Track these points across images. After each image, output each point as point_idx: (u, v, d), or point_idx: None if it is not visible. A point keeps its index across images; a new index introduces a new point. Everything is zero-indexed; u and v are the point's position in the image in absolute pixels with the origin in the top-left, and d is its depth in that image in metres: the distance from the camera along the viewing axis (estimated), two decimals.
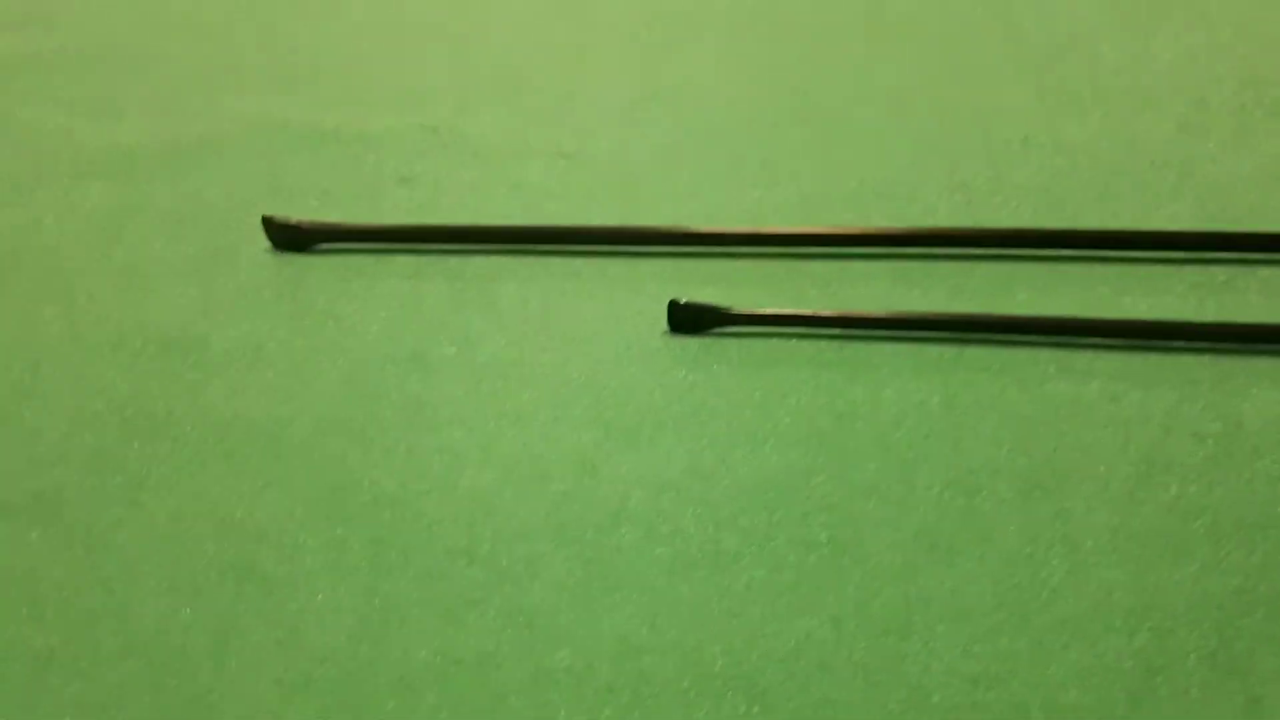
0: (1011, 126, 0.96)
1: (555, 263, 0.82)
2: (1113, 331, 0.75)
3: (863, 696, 0.55)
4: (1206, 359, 0.73)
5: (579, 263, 0.82)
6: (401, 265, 0.82)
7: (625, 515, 0.64)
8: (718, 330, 0.76)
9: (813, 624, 0.59)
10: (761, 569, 0.61)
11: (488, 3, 1.14)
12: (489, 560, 0.62)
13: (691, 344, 0.75)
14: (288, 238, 0.83)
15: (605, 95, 1.00)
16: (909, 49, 1.08)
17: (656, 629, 0.58)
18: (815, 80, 1.03)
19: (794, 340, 0.76)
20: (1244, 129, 0.95)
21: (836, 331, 0.76)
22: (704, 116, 0.97)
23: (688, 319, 0.75)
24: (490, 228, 0.83)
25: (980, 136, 0.95)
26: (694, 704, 0.55)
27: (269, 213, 0.84)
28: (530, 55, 1.07)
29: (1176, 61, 1.05)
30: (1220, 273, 0.80)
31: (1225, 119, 0.97)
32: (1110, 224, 0.85)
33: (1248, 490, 0.64)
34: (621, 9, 1.12)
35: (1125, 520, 0.63)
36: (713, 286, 0.80)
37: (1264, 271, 0.79)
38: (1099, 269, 0.81)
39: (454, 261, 0.82)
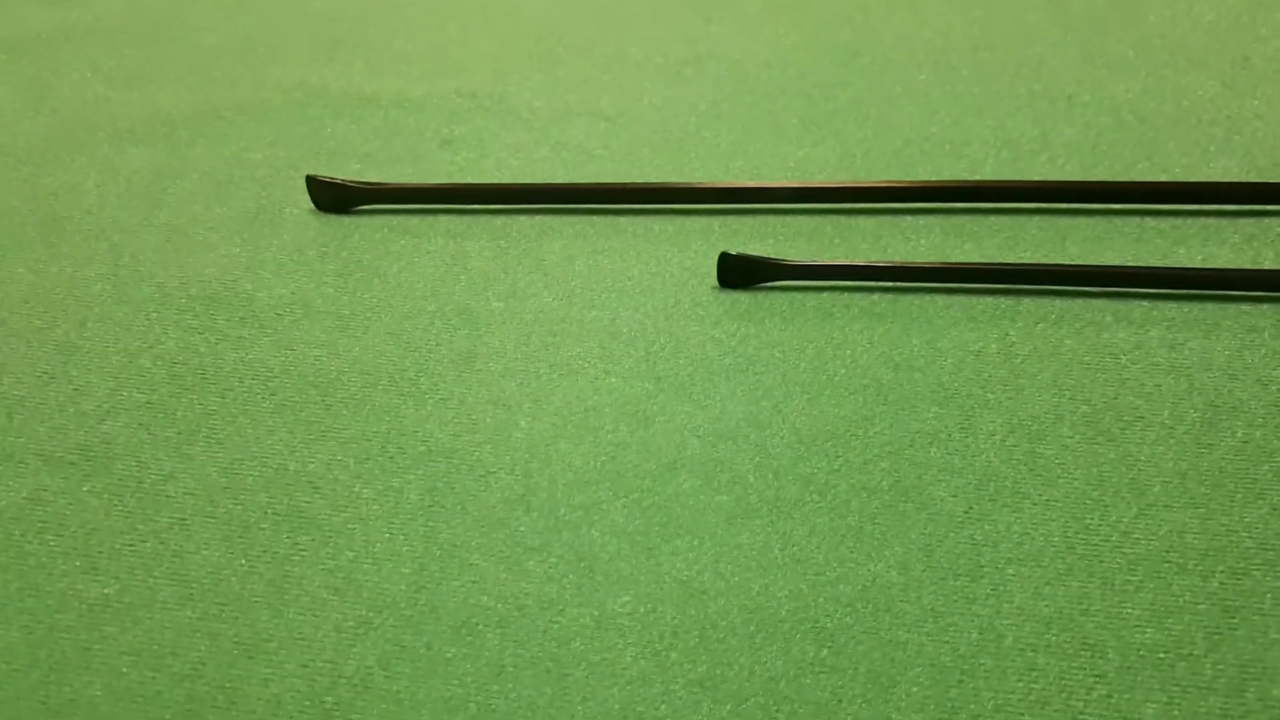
0: (1057, 85, 0.95)
1: (601, 221, 0.81)
2: (1168, 281, 0.74)
3: (933, 639, 0.54)
4: (1266, 308, 0.72)
5: (625, 220, 0.81)
6: (446, 224, 0.81)
7: (682, 464, 0.64)
8: (767, 285, 0.75)
9: (879, 568, 0.58)
10: (824, 516, 0.60)
11: None
12: (547, 508, 0.61)
13: (743, 298, 0.74)
14: (332, 197, 0.82)
15: (647, 58, 0.99)
16: (952, 10, 1.06)
17: (720, 574, 0.58)
18: (859, 40, 1.01)
19: (846, 294, 0.74)
20: None
21: (889, 284, 0.75)
22: (746, 77, 0.96)
23: (737, 272, 0.74)
24: (534, 186, 0.82)
25: (1025, 95, 0.94)
26: (761, 647, 0.54)
27: (312, 175, 0.83)
28: (568, 20, 1.06)
29: (1220, 21, 1.04)
30: (1275, 224, 0.79)
31: (1270, 78, 0.96)
32: (1159, 179, 0.83)
33: None
34: None
35: (1193, 464, 0.62)
36: (760, 242, 0.79)
37: None
38: (1151, 222, 0.79)
39: (499, 221, 0.81)
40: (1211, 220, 0.80)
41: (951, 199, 0.80)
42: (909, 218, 0.80)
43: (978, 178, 0.83)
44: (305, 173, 0.84)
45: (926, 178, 0.84)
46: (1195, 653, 0.53)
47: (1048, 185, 0.81)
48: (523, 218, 0.82)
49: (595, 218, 0.81)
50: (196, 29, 1.08)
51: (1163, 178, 0.83)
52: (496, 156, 0.88)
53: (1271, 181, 0.81)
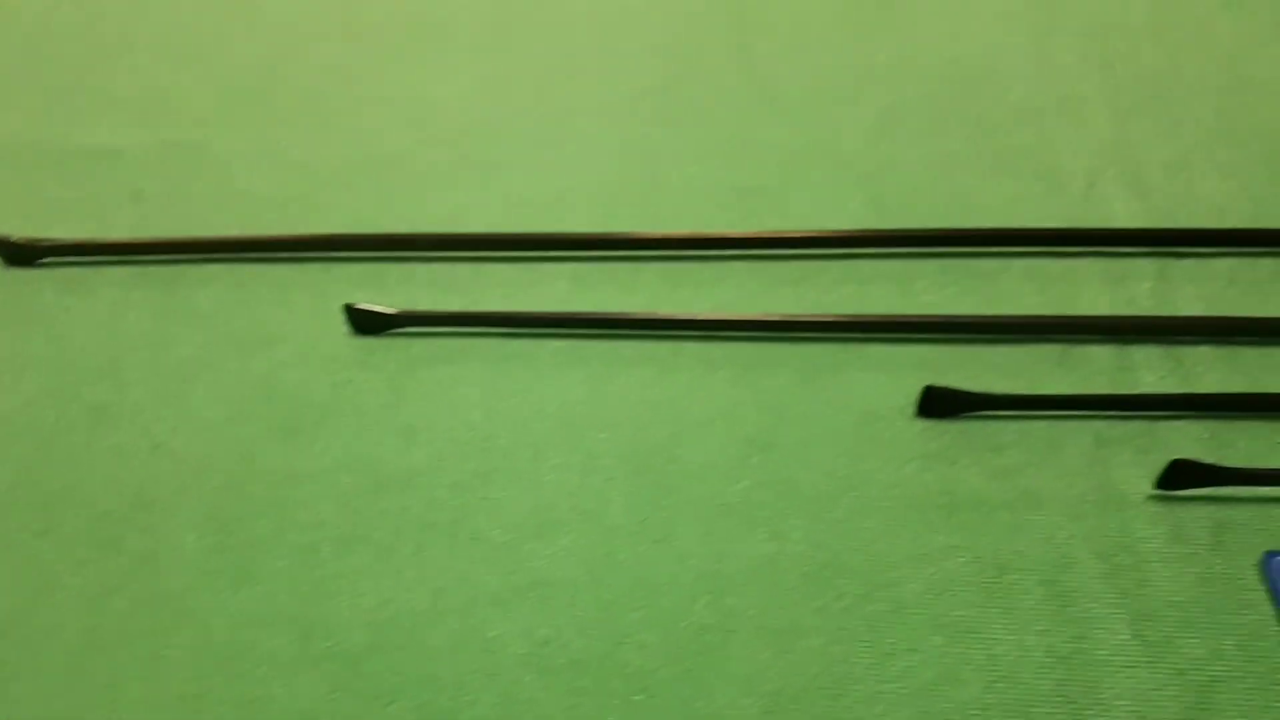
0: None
1: (256, 269, 0.88)
2: (750, 326, 0.82)
3: (449, 664, 0.63)
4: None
5: (284, 269, 0.89)
6: (118, 276, 0.88)
7: (272, 504, 0.72)
8: (397, 331, 0.83)
9: (416, 597, 0.67)
10: (368, 554, 0.69)
11: (247, 20, 1.19)
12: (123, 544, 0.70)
13: (372, 344, 0.82)
14: (13, 253, 0.89)
15: (341, 105, 1.06)
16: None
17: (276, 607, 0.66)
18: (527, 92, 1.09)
19: (468, 339, 0.82)
20: None
21: (505, 330, 0.83)
22: (417, 121, 1.04)
23: (367, 321, 0.82)
24: (198, 239, 0.89)
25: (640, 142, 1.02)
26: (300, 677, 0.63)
27: (2, 231, 0.90)
28: (276, 71, 1.13)
29: None
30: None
31: None
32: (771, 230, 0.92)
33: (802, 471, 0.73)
34: (373, 23, 1.18)
35: (714, 496, 0.71)
36: (404, 289, 0.87)
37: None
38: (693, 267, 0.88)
39: (167, 271, 0.89)
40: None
41: (578, 247, 0.88)
42: (546, 265, 0.89)
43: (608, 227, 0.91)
44: None
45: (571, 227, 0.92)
46: (685, 664, 0.63)
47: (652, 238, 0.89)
48: (191, 267, 0.89)
49: (257, 265, 0.89)
50: None
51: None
52: (184, 207, 0.95)
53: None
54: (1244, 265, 0.86)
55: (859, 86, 1.07)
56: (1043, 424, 0.75)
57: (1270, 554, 0.67)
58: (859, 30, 1.15)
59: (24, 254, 0.89)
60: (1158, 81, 1.05)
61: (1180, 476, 0.70)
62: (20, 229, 0.91)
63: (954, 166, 0.97)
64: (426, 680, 0.63)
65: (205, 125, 1.04)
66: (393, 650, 0.65)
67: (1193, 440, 0.74)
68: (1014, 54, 1.10)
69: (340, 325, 0.83)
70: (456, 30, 1.17)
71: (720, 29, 1.15)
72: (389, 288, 0.87)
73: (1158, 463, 0.70)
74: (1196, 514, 0.70)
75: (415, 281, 0.87)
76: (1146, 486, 0.71)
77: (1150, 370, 0.78)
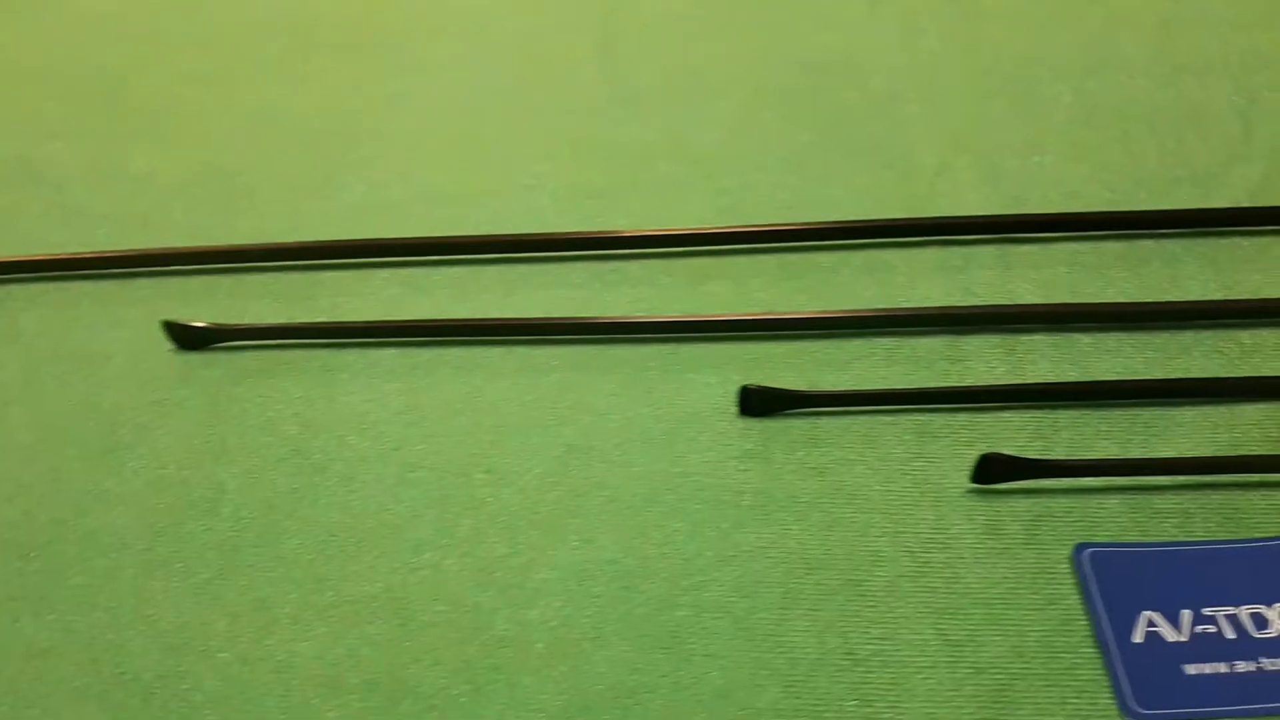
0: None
1: (85, 287, 0.87)
2: (580, 329, 0.81)
3: (239, 687, 0.62)
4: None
5: (113, 285, 0.87)
6: None
7: (77, 527, 0.70)
8: (221, 345, 0.81)
9: (212, 620, 0.65)
10: (169, 577, 0.68)
11: (100, 31, 1.17)
12: None
13: (194, 360, 0.81)
14: None
15: (190, 116, 1.05)
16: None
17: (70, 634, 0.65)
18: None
19: (293, 350, 0.81)
20: None
21: (330, 340, 0.81)
22: (264, 131, 1.02)
23: (187, 337, 0.81)
24: (23, 259, 0.87)
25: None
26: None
27: None
28: (127, 82, 1.11)
29: None
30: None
31: None
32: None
33: None
34: (226, 30, 1.16)
35: (526, 505, 0.70)
36: (237, 302, 0.85)
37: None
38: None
39: None
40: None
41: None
42: (377, 271, 0.87)
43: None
44: None
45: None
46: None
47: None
48: (16, 287, 0.87)
49: (81, 284, 0.87)
50: None
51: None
52: (11, 228, 0.93)
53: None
54: (1087, 250, 0.85)
55: (720, 81, 1.05)
56: (864, 419, 0.74)
57: (1080, 546, 0.66)
58: (726, 23, 1.14)
59: None
60: (1020, 65, 1.04)
61: (991, 470, 0.69)
62: None
63: (807, 159, 0.96)
64: (215, 703, 0.62)
65: (50, 140, 1.02)
66: (182, 676, 0.63)
67: (1016, 431, 0.72)
68: (879, 42, 1.09)
69: (164, 342, 0.81)
70: (312, 36, 1.15)
71: (584, 29, 1.13)
72: (220, 301, 0.85)
73: (979, 455, 0.69)
74: (1014, 507, 0.68)
75: (247, 294, 0.86)
76: (965, 481, 0.69)
77: (981, 360, 0.77)
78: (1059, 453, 0.71)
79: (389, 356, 0.80)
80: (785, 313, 0.80)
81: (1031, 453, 0.70)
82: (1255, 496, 0.68)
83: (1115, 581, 0.64)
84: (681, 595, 0.65)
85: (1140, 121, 0.96)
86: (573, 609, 0.65)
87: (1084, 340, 0.78)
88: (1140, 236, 0.84)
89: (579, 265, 0.87)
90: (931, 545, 0.67)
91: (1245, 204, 0.87)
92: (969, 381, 0.76)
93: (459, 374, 0.79)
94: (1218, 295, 0.80)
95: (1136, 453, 0.71)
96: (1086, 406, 0.73)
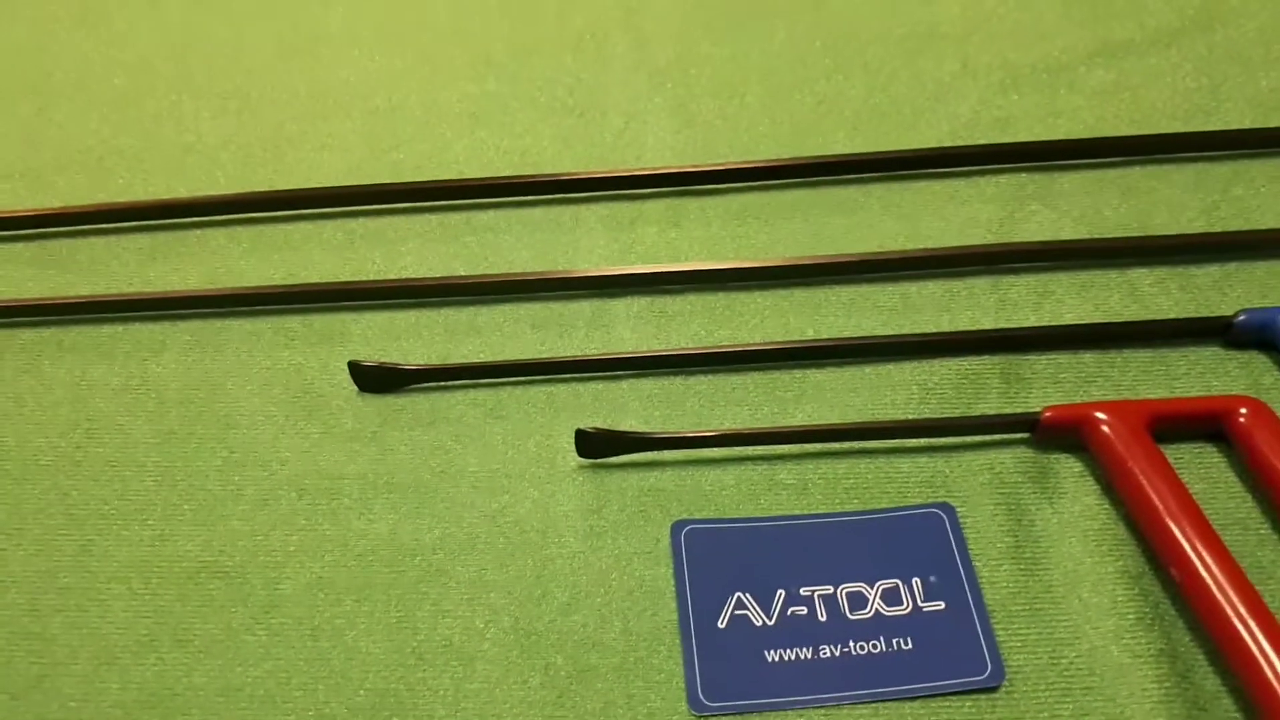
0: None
1: None
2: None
3: None
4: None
5: None
6: None
7: None
8: None
9: None
10: None
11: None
12: None
13: None
14: None
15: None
16: None
17: None
18: None
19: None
20: None
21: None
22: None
23: None
24: None
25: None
26: None
27: None
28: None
29: None
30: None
31: None
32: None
33: None
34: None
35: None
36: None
37: None
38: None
39: None
40: None
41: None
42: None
43: None
44: None
45: None
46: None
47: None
48: None
49: None
50: None
51: None
52: None
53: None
54: (755, 200, 0.81)
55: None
56: (488, 391, 0.70)
57: (679, 524, 0.63)
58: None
59: None
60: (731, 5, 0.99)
61: (591, 445, 0.65)
62: None
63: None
64: None
65: None
66: None
67: (643, 400, 0.69)
68: None
69: None
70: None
71: None
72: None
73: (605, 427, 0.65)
74: (623, 484, 0.65)
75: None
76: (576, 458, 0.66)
77: (626, 326, 0.73)
78: (684, 425, 0.67)
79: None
80: (420, 279, 0.75)
81: (659, 421, 0.67)
82: (876, 465, 0.65)
83: (709, 561, 0.61)
84: (254, 594, 0.61)
85: None
86: (135, 612, 0.61)
87: (719, 299, 0.74)
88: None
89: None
90: (529, 528, 0.63)
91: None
92: (615, 349, 0.72)
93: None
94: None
95: (768, 421, 0.67)
96: (715, 372, 0.70)
